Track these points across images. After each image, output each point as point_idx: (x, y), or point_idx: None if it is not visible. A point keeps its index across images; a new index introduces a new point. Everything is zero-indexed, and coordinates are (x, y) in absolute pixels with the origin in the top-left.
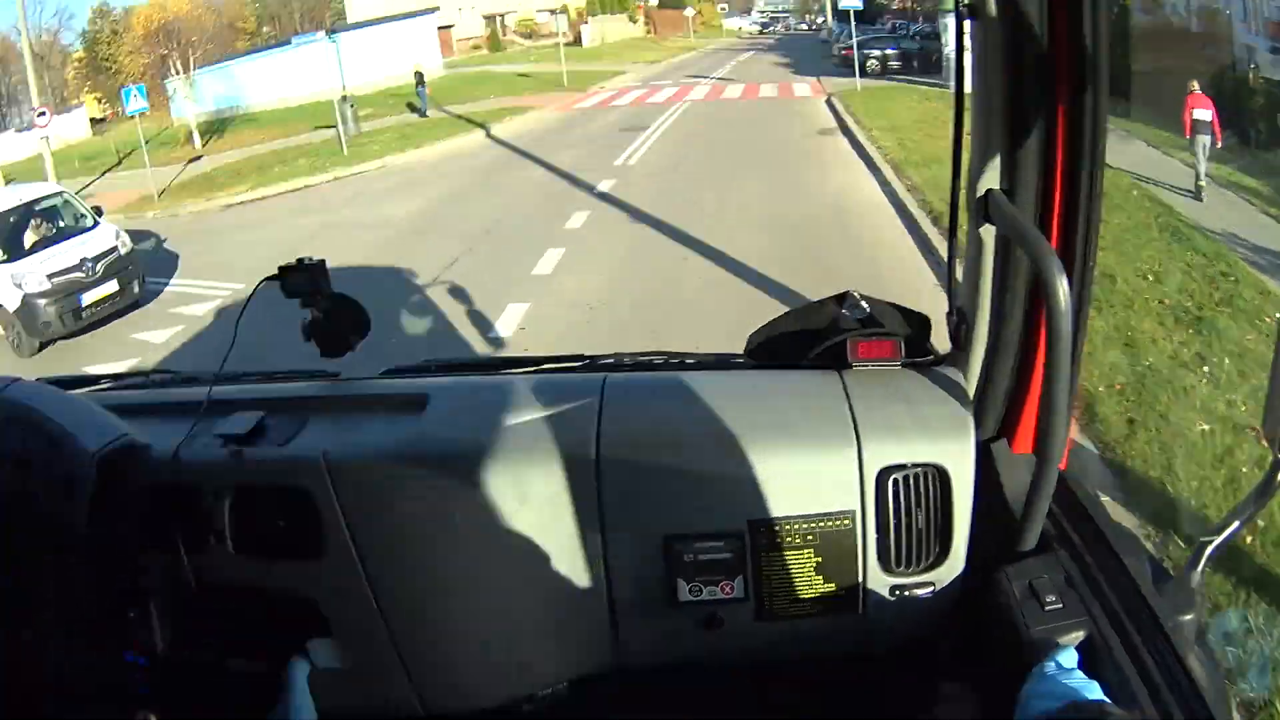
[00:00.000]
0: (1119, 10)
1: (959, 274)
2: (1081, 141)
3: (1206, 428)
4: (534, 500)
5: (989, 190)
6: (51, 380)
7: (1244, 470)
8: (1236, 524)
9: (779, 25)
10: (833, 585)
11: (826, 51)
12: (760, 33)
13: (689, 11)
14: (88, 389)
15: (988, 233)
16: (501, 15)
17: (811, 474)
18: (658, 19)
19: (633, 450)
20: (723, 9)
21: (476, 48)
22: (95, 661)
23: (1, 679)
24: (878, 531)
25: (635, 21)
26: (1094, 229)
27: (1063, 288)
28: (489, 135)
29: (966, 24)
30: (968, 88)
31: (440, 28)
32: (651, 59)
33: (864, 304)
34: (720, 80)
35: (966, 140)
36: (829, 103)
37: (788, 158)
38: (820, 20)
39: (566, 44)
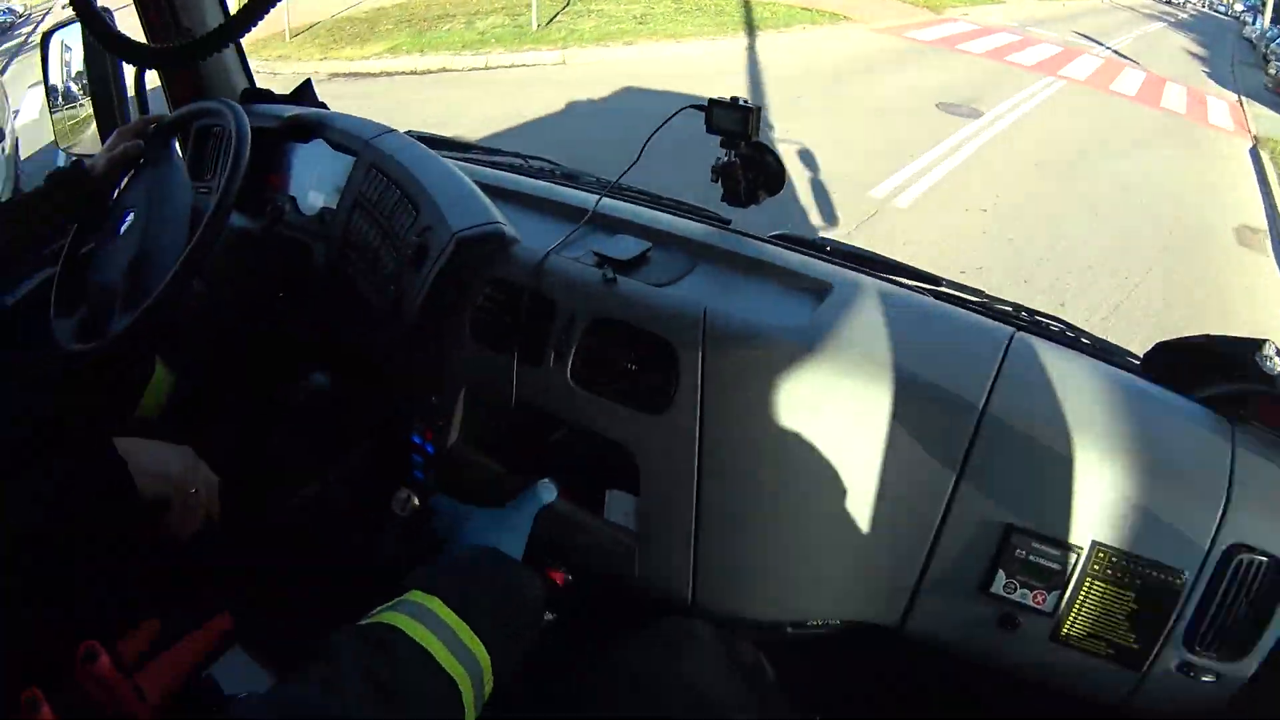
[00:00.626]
0: None
1: None
2: None
3: None
4: (902, 430)
5: None
6: (424, 138)
7: None
8: None
9: (1196, 1)
10: (1133, 635)
11: (1251, 55)
12: (1173, 3)
13: None
14: (461, 155)
15: None
16: None
17: (1166, 518)
18: None
19: (1019, 420)
20: None
21: None
22: (377, 425)
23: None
24: (1199, 603)
25: None
26: None
27: None
28: (750, 49)
29: None
30: None
31: None
32: None
33: (1278, 359)
34: (1117, 56)
35: None
36: (1255, 156)
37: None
38: (1240, 8)
39: None
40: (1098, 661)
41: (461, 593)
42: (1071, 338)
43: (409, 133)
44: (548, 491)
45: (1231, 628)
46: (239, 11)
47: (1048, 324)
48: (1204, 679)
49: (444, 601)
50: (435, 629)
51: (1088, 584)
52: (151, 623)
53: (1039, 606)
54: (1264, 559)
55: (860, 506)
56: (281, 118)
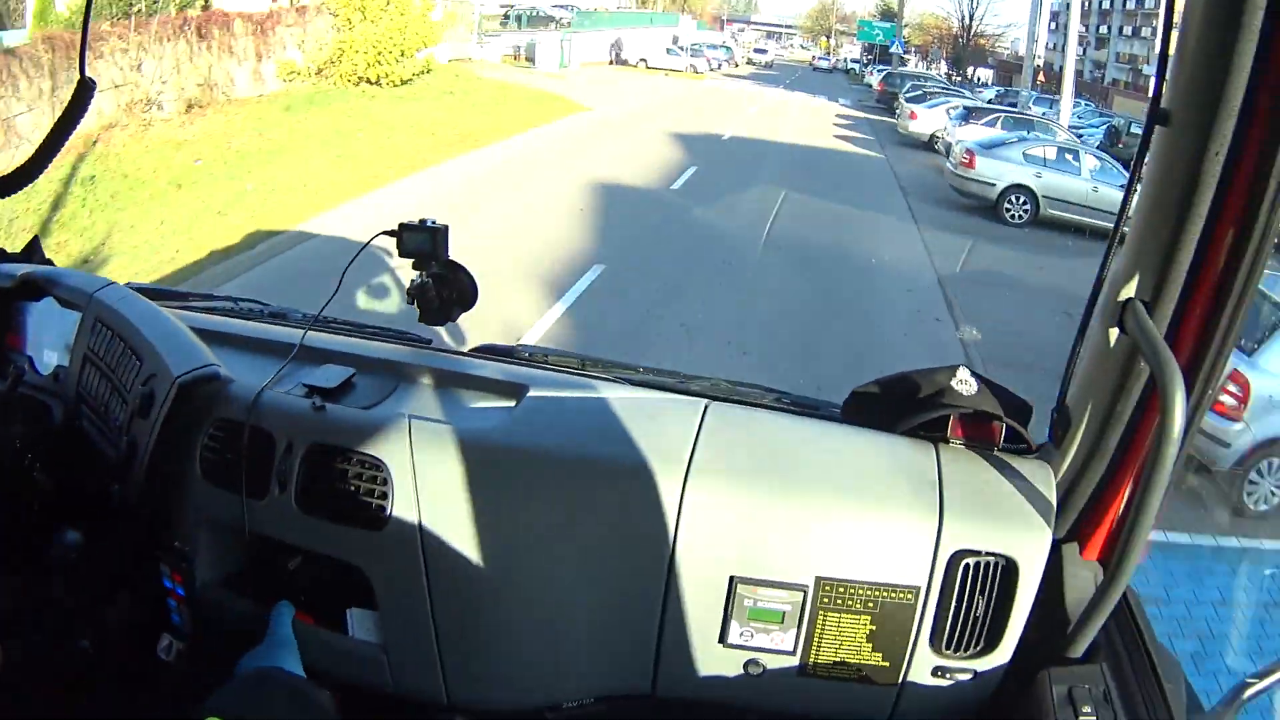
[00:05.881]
0: None
1: (1075, 372)
2: (1238, 269)
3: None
4: (610, 512)
5: (1129, 299)
6: (143, 289)
7: None
8: None
9: (768, 54)
10: (879, 655)
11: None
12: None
13: None
14: (177, 304)
15: (1116, 339)
16: None
17: (887, 542)
18: None
19: (720, 484)
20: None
21: None
22: (131, 575)
23: (35, 575)
24: (936, 611)
25: None
26: (1224, 359)
27: (1179, 412)
28: None
29: (1154, 130)
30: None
31: None
32: None
33: (972, 381)
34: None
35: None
36: None
37: None
38: (853, 59)
39: None
40: (851, 686)
41: (259, 712)
42: (769, 401)
43: (130, 285)
44: (288, 608)
45: (973, 625)
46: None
47: (745, 392)
48: (960, 678)
49: None
50: None
51: (821, 617)
52: None
53: (779, 647)
54: (988, 558)
55: (586, 586)
56: (14, 276)
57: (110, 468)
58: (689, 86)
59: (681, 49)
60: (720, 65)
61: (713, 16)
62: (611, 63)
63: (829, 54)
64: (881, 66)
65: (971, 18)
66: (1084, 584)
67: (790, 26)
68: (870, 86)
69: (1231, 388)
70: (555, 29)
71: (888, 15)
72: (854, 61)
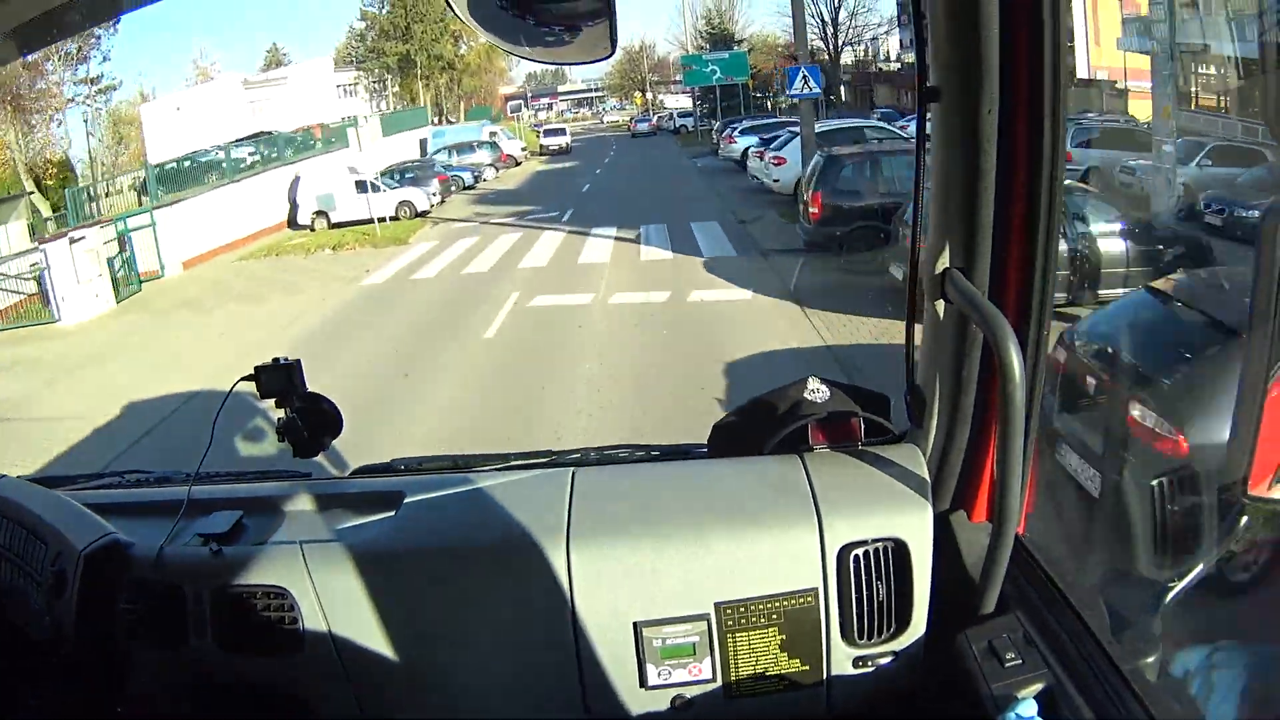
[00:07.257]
0: None
1: (916, 353)
2: (1036, 219)
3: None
4: (505, 591)
5: (945, 269)
6: (34, 479)
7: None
8: (1199, 568)
9: (564, 137)
10: (797, 660)
11: None
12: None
13: None
14: (68, 488)
15: (944, 311)
16: None
17: (774, 555)
18: None
19: (601, 540)
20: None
21: None
22: None
23: None
24: (840, 606)
25: None
26: (1048, 303)
27: (1016, 358)
28: None
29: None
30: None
31: None
32: None
33: (824, 388)
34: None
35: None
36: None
37: None
38: (682, 112)
39: None
40: (781, 697)
41: None
42: (640, 455)
43: (21, 477)
44: None
45: (879, 610)
46: None
47: (614, 452)
48: (882, 663)
49: None
50: None
51: (731, 639)
52: None
53: (698, 677)
54: (875, 545)
55: (501, 664)
56: None
57: (43, 652)
58: (312, 319)
59: (383, 181)
60: (477, 178)
61: (504, 98)
62: (289, 224)
63: (648, 112)
64: (748, 123)
65: (836, 24)
66: (980, 547)
67: (600, 90)
68: (735, 162)
69: None
70: (107, 224)
71: (720, 43)
72: (683, 116)
